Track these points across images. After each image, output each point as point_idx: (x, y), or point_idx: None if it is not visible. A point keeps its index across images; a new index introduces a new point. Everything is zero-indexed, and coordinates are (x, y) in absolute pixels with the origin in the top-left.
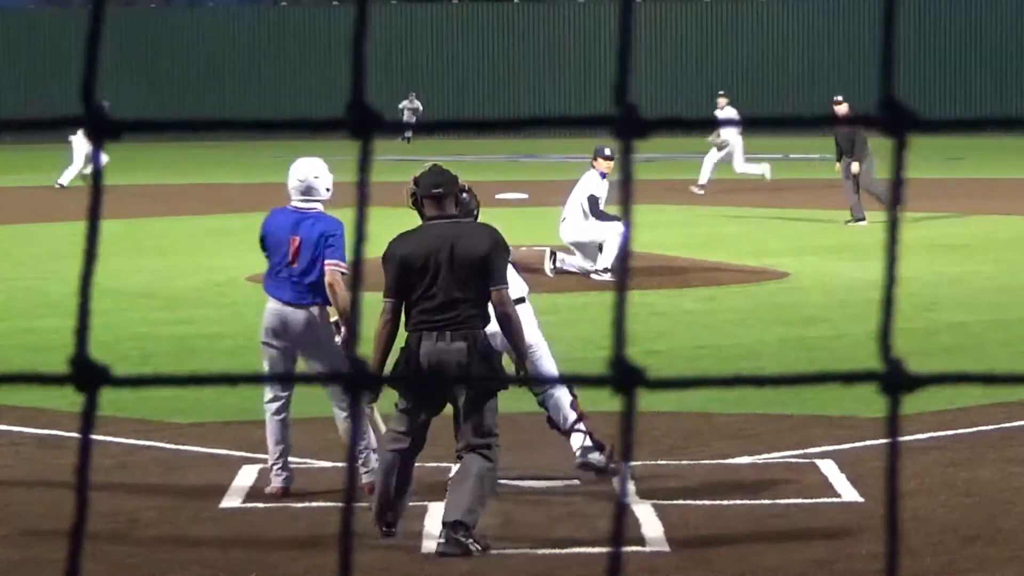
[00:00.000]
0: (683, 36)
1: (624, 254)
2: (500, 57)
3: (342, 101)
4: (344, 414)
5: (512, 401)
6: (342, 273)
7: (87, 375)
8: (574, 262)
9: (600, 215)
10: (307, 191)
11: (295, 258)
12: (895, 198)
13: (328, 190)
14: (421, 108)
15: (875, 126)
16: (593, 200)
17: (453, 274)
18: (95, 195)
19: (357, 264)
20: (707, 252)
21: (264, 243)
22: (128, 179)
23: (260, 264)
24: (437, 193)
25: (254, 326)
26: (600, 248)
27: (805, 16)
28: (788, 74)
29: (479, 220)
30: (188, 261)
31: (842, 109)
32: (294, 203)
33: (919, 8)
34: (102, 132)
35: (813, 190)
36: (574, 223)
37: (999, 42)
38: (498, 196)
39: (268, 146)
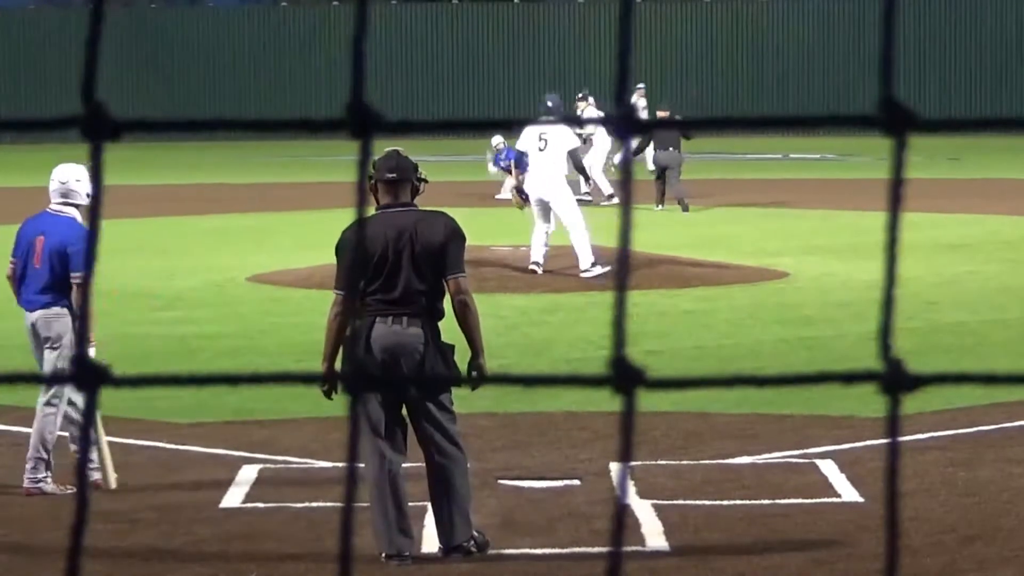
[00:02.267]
0: (683, 36)
1: (624, 254)
2: (499, 57)
3: (342, 101)
4: (47, 410)
5: (511, 401)
6: (78, 284)
7: (87, 375)
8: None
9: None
10: (67, 194)
11: (38, 259)
12: (895, 198)
13: (88, 196)
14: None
15: (875, 126)
16: (576, 153)
17: (413, 265)
18: (95, 195)
19: (356, 264)
20: (707, 252)
21: (15, 247)
22: (128, 179)
23: (261, 264)
24: (392, 178)
25: (254, 326)
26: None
27: (805, 16)
28: (788, 74)
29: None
30: (188, 261)
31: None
32: (52, 207)
33: (919, 8)
34: (102, 132)
35: (813, 190)
36: (551, 179)
37: (999, 42)
38: (498, 196)
39: (268, 146)
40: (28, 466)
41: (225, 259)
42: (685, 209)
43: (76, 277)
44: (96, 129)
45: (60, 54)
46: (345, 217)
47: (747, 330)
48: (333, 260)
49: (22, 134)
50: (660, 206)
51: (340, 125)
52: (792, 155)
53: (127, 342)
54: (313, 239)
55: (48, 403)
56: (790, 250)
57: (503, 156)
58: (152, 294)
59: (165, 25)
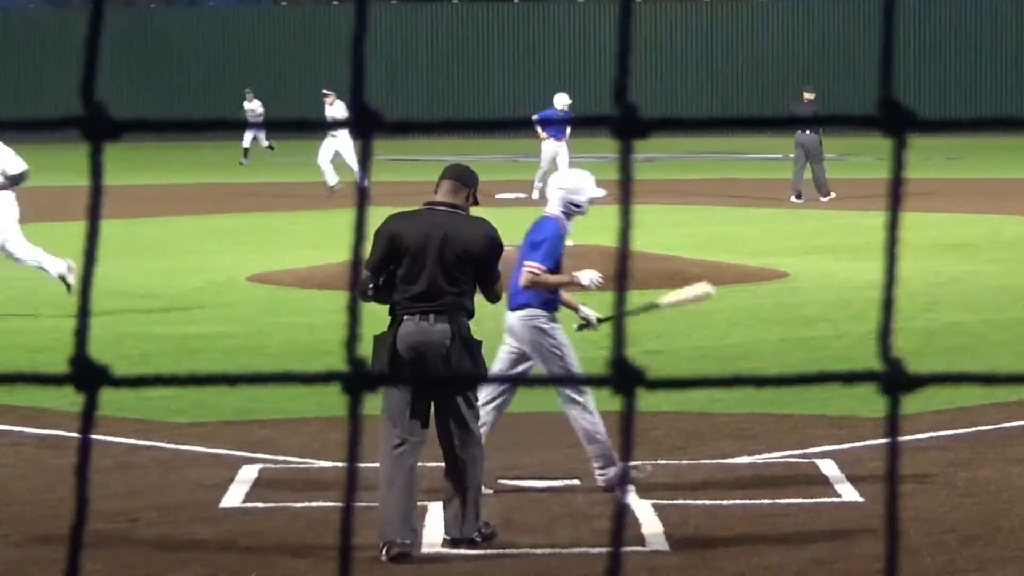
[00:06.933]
0: (683, 36)
1: (624, 254)
2: (499, 57)
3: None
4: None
5: (511, 401)
6: None
7: (87, 375)
8: None
9: None
10: None
11: None
12: (895, 198)
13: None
14: (260, 110)
15: (875, 126)
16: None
17: (441, 264)
18: (95, 195)
19: (356, 264)
20: (707, 252)
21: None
22: (128, 179)
23: (261, 264)
24: (458, 177)
25: (254, 326)
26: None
27: (805, 16)
28: (788, 74)
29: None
30: (188, 261)
31: None
32: None
33: (919, 8)
34: (102, 132)
35: (813, 190)
36: None
37: (999, 42)
38: (498, 196)
39: None
40: (596, 465)
41: (225, 259)
42: (825, 195)
43: None
44: (96, 129)
45: (60, 54)
46: (345, 217)
47: (747, 330)
48: (333, 259)
49: (22, 134)
50: (799, 198)
51: (340, 125)
52: (792, 155)
53: (127, 342)
54: (313, 239)
55: (571, 402)
56: (790, 250)
57: None
58: (152, 294)
59: (165, 25)
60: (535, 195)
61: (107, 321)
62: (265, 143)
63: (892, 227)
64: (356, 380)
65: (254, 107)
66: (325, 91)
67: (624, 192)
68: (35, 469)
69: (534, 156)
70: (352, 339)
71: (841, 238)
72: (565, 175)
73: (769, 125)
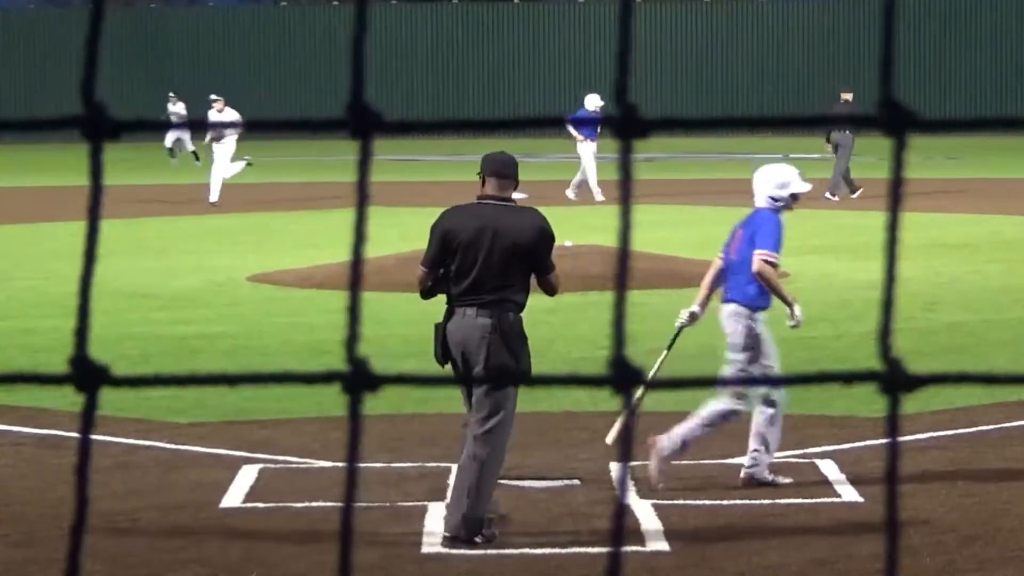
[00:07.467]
0: (683, 36)
1: (624, 254)
2: (499, 57)
3: (342, 101)
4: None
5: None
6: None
7: (87, 375)
8: None
9: None
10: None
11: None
12: (895, 198)
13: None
14: (183, 113)
15: (875, 126)
16: None
17: (491, 257)
18: (95, 195)
19: (356, 264)
20: (707, 252)
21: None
22: (128, 179)
23: (261, 264)
24: (501, 171)
25: (254, 326)
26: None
27: (805, 16)
28: (788, 74)
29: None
30: (188, 261)
31: None
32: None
33: (919, 8)
34: (102, 132)
35: (813, 190)
36: None
37: (999, 42)
38: None
39: (268, 146)
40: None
41: (225, 259)
42: (833, 195)
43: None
44: (96, 129)
45: (60, 54)
46: (345, 217)
47: None
48: (332, 259)
49: (22, 134)
50: (854, 193)
51: (340, 125)
52: (792, 155)
53: (127, 342)
54: (313, 239)
55: (767, 404)
56: (790, 250)
57: None
58: (152, 294)
59: (165, 25)
60: (570, 194)
61: (107, 321)
62: (190, 148)
63: (892, 227)
64: (356, 380)
65: (178, 110)
66: (213, 97)
67: (624, 192)
68: (35, 469)
69: (533, 156)
70: (352, 339)
71: (841, 238)
72: (771, 171)
73: (769, 125)
